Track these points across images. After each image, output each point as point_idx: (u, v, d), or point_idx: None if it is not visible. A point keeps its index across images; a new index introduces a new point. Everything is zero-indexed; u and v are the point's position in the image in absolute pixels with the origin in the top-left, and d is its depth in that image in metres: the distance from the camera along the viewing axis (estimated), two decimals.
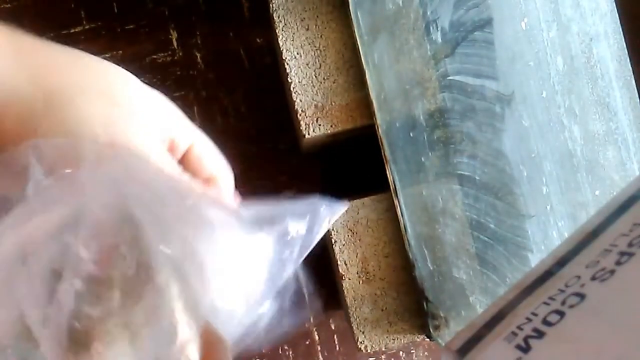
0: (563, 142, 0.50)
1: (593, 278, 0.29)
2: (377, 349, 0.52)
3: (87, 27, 0.62)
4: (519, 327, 0.31)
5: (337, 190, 0.65)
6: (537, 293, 0.33)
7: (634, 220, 0.31)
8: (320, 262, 0.64)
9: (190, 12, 0.64)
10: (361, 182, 0.62)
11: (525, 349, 0.29)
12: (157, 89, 0.62)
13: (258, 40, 0.65)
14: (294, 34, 0.50)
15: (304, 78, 0.50)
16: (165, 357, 0.28)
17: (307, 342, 0.65)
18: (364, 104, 0.50)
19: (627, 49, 0.51)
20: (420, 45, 0.48)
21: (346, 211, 0.51)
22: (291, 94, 0.50)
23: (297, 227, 0.36)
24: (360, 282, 0.51)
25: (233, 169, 0.64)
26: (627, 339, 0.25)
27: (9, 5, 0.59)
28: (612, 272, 0.28)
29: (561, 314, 0.29)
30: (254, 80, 0.65)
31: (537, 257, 0.49)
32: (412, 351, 0.67)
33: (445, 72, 0.48)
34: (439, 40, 0.48)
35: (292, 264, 0.37)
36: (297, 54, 0.50)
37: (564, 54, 0.50)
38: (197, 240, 0.31)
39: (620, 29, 0.50)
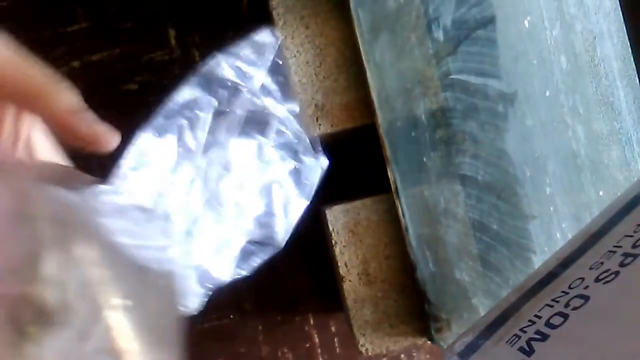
0: (567, 141, 0.49)
1: (597, 280, 0.29)
2: (379, 352, 0.52)
3: (83, 25, 0.62)
4: (522, 330, 0.31)
5: (337, 190, 0.65)
6: (540, 295, 0.33)
7: (638, 221, 0.31)
8: (321, 263, 0.64)
9: (189, 9, 0.64)
10: (362, 182, 0.61)
11: (528, 351, 0.29)
12: (155, 88, 0.62)
13: None
14: (293, 32, 0.50)
15: (303, 77, 0.50)
16: None
17: (307, 345, 0.65)
18: (365, 103, 0.50)
19: (631, 48, 0.50)
20: (421, 43, 0.48)
21: (347, 212, 0.51)
22: None
23: None
24: (361, 284, 0.51)
25: None
26: (632, 341, 0.24)
27: (5, 3, 0.59)
28: (616, 273, 0.28)
29: (565, 316, 0.29)
30: None
31: (540, 259, 0.49)
32: (413, 354, 0.67)
33: (448, 70, 0.48)
34: (441, 38, 0.48)
35: None
36: (297, 52, 0.50)
37: (568, 53, 0.49)
38: None
39: (624, 28, 0.50)
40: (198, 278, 0.36)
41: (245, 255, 0.38)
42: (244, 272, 0.38)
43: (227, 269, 0.37)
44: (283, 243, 0.38)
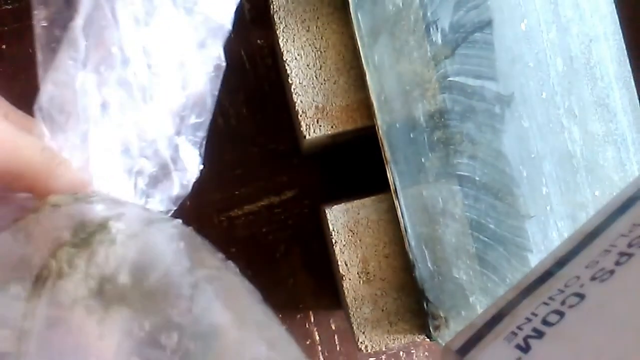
0: (563, 142, 0.50)
1: (593, 278, 0.29)
2: (378, 349, 0.52)
3: None
4: (519, 327, 0.31)
5: (337, 190, 0.65)
6: (536, 293, 0.33)
7: (633, 221, 0.31)
8: (321, 262, 0.65)
9: None
10: (362, 182, 0.62)
11: (525, 348, 0.29)
12: None
13: (259, 42, 0.65)
14: (294, 35, 0.50)
15: (304, 79, 0.50)
16: None
17: (308, 342, 0.66)
18: (365, 105, 0.50)
19: (627, 51, 0.51)
20: (420, 46, 0.48)
21: (347, 212, 0.51)
22: (292, 95, 0.51)
23: None
24: (361, 282, 0.51)
25: (233, 170, 0.65)
26: (627, 339, 0.25)
27: (10, 6, 0.60)
28: (612, 272, 0.28)
29: (561, 314, 0.29)
30: (254, 81, 0.65)
31: (537, 258, 0.49)
32: (412, 351, 0.67)
33: (445, 73, 0.48)
34: (439, 41, 0.48)
35: None
36: (298, 55, 0.50)
37: (564, 55, 0.50)
38: None
39: (620, 31, 0.51)
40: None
41: None
42: None
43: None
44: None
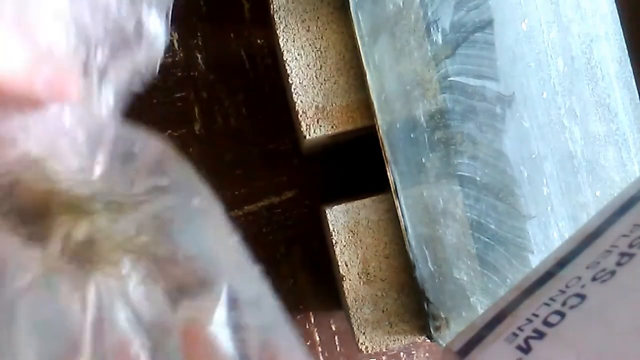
0: (564, 143, 0.50)
1: (594, 279, 0.29)
2: (378, 350, 0.52)
3: None
4: (520, 328, 0.31)
5: (337, 191, 0.65)
6: (537, 294, 0.33)
7: (634, 221, 0.31)
8: (321, 263, 0.65)
9: (191, 13, 0.64)
10: (362, 183, 0.62)
11: (525, 349, 0.29)
12: (158, 90, 0.62)
13: (259, 42, 0.65)
14: (294, 35, 0.50)
15: (304, 79, 0.50)
16: None
17: (308, 343, 0.66)
18: (365, 105, 0.50)
19: (628, 50, 0.51)
20: (420, 46, 0.48)
21: (347, 212, 0.51)
22: (292, 95, 0.50)
23: None
24: (361, 283, 0.51)
25: (234, 170, 0.64)
26: (628, 340, 0.25)
27: None
28: (613, 272, 0.28)
29: (562, 314, 0.29)
30: (254, 81, 0.65)
31: (537, 258, 0.49)
32: (412, 352, 0.67)
33: (446, 73, 0.48)
34: (440, 41, 0.48)
35: None
36: (298, 55, 0.50)
37: (565, 55, 0.50)
38: None
39: (621, 30, 0.51)
40: None
41: None
42: None
43: None
44: None
